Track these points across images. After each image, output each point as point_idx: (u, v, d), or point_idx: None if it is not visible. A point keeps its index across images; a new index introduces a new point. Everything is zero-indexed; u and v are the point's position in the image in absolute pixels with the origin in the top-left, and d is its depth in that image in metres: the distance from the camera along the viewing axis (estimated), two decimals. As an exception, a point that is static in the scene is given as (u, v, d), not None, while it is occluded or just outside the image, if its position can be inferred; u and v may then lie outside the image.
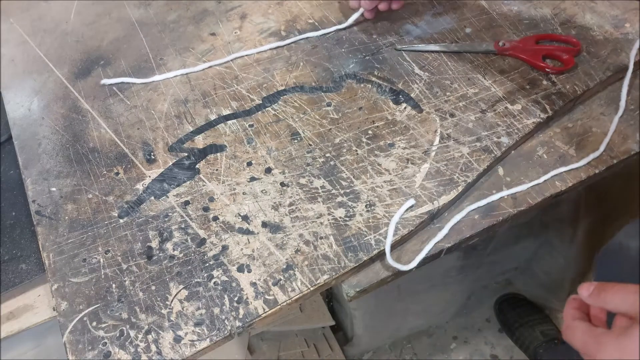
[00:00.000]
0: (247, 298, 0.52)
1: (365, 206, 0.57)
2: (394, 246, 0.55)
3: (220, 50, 0.73)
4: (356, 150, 0.61)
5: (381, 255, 0.55)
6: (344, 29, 0.74)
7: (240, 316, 0.51)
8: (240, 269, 0.54)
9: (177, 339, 0.50)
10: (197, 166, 0.62)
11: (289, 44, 0.73)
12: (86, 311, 0.52)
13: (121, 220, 0.58)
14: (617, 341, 0.37)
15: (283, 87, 0.68)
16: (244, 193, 0.59)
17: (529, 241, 1.00)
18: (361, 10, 0.72)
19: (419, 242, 0.56)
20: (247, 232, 0.56)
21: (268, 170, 0.61)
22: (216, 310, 0.51)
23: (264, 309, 0.51)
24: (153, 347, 0.50)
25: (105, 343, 0.50)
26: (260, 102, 0.67)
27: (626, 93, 0.65)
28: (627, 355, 0.36)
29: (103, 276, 0.54)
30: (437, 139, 0.62)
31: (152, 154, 0.63)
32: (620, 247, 0.63)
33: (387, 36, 0.72)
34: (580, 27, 0.71)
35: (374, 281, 0.55)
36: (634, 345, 0.36)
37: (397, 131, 0.63)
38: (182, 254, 0.55)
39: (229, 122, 0.65)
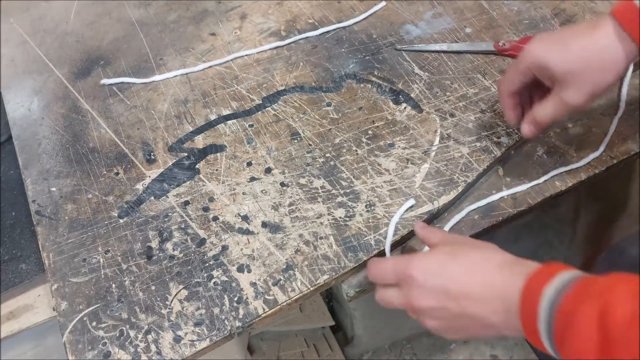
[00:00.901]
0: (247, 298, 0.52)
1: (365, 206, 0.57)
2: (393, 246, 0.55)
3: (220, 50, 0.73)
4: (356, 150, 0.61)
5: (381, 255, 0.55)
6: (344, 28, 0.74)
7: (240, 316, 0.51)
8: (240, 269, 0.54)
9: (177, 339, 0.50)
10: (197, 166, 0.62)
11: (288, 44, 0.73)
12: (86, 311, 0.52)
13: (121, 220, 0.58)
14: (421, 255, 0.46)
15: (283, 87, 0.68)
16: (244, 193, 0.59)
17: (529, 241, 1.00)
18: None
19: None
20: (247, 232, 0.56)
21: (268, 170, 0.61)
22: (216, 310, 0.51)
23: (263, 309, 0.51)
24: (153, 347, 0.50)
25: (105, 343, 0.50)
26: (260, 102, 0.67)
27: (626, 93, 0.65)
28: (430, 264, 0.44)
29: (103, 276, 0.54)
30: (437, 139, 0.62)
31: (152, 154, 0.63)
32: (620, 253, 0.63)
33: (387, 36, 0.72)
34: (580, 27, 0.71)
35: (374, 281, 0.55)
36: (433, 258, 0.45)
37: (397, 131, 0.63)
38: (182, 254, 0.55)
39: (229, 122, 0.65)
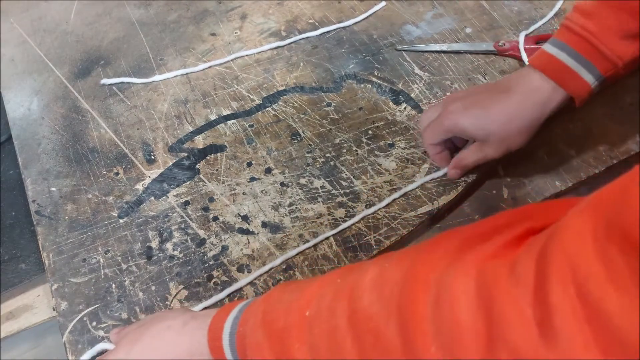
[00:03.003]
0: (247, 298, 0.52)
1: (365, 206, 0.57)
2: (393, 247, 0.55)
3: (220, 50, 0.73)
4: (356, 151, 0.61)
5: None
6: (345, 28, 0.74)
7: (240, 316, 0.51)
8: (240, 269, 0.54)
9: (177, 339, 0.50)
10: (197, 166, 0.62)
11: (289, 44, 0.72)
12: (86, 311, 0.52)
13: (121, 221, 0.58)
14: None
15: (283, 88, 0.68)
16: (244, 193, 0.59)
17: (529, 242, 0.99)
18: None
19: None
20: (247, 232, 0.56)
21: (268, 171, 0.61)
22: (216, 311, 0.51)
23: (263, 309, 0.51)
24: (153, 347, 0.50)
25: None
26: (261, 102, 0.67)
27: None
28: None
29: (103, 276, 0.54)
30: (437, 139, 0.62)
31: (152, 154, 0.63)
32: None
33: (387, 36, 0.72)
34: (580, 28, 0.71)
35: (374, 281, 0.55)
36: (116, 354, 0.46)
37: (397, 131, 0.63)
38: (182, 254, 0.55)
39: (229, 122, 0.65)
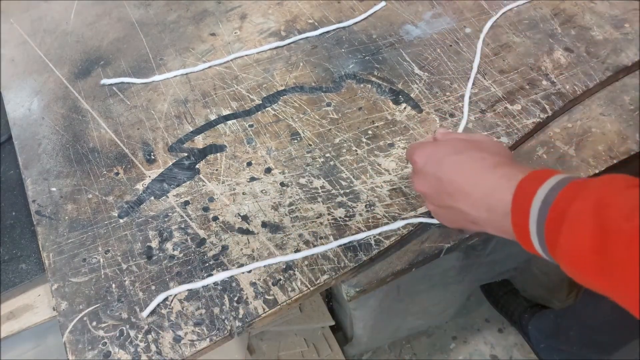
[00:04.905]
0: (247, 298, 0.52)
1: (365, 206, 0.57)
2: (392, 246, 0.55)
3: (220, 51, 0.73)
4: (356, 150, 0.61)
5: (381, 255, 0.55)
6: (344, 28, 0.74)
7: (240, 316, 0.51)
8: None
9: (177, 339, 0.50)
10: (197, 166, 0.62)
11: (288, 44, 0.73)
12: (86, 311, 0.52)
13: (121, 220, 0.58)
14: (428, 144, 0.50)
15: (283, 87, 0.68)
16: (243, 193, 0.59)
17: (529, 241, 1.00)
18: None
19: (419, 242, 0.57)
20: (247, 232, 0.56)
21: (268, 170, 0.61)
22: (216, 310, 0.52)
23: (263, 309, 0.51)
24: (153, 347, 0.50)
25: (105, 343, 0.50)
26: (260, 102, 0.67)
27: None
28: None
29: (103, 276, 0.54)
30: (437, 139, 0.62)
31: (152, 154, 0.63)
32: None
33: (387, 36, 0.73)
34: (580, 27, 0.71)
35: (374, 281, 0.55)
36: (437, 148, 0.47)
37: (397, 131, 0.63)
38: (182, 254, 0.55)
39: (229, 122, 0.65)
